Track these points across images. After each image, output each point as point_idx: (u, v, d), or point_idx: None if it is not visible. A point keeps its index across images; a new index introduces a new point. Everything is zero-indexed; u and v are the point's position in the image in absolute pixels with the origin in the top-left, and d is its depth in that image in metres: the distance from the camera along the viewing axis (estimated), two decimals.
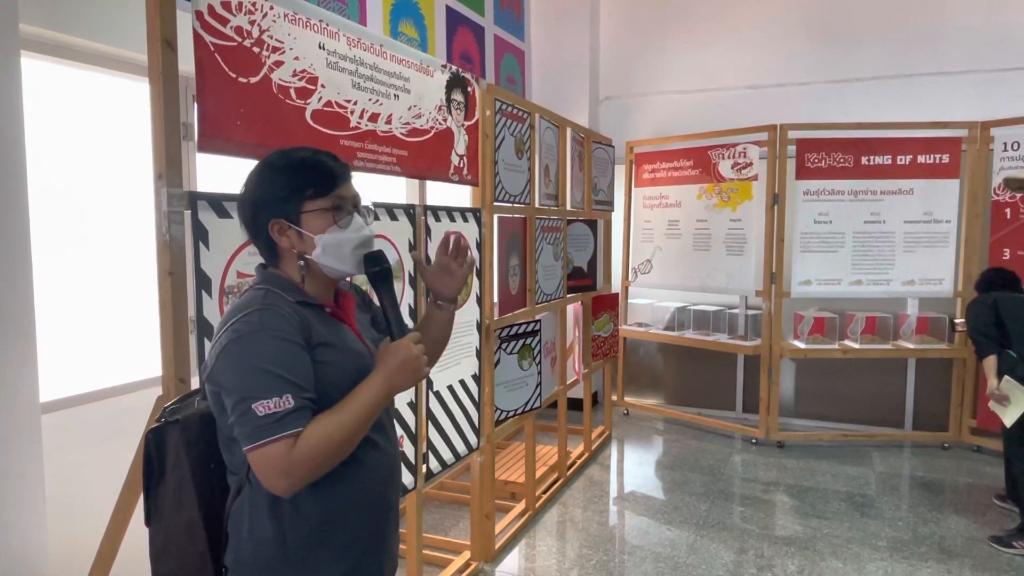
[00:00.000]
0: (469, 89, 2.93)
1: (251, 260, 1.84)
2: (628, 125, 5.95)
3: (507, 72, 5.47)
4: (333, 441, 1.20)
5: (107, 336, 2.58)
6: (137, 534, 1.61)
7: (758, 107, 5.40)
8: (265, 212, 1.31)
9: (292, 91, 2.00)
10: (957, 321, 4.19)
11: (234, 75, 1.82)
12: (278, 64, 1.95)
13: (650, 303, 5.88)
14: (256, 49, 1.88)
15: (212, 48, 1.75)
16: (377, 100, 2.35)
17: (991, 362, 3.42)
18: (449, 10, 4.59)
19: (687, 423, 5.52)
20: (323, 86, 2.10)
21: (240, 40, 1.83)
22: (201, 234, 1.72)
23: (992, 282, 3.69)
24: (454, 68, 2.83)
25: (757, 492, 4.17)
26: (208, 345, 1.72)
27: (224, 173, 2.32)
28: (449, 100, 2.77)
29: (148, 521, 1.35)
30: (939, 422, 4.98)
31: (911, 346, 4.83)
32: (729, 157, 5.03)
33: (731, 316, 5.48)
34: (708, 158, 5.16)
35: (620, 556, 3.38)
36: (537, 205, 3.74)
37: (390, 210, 2.44)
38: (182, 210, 1.69)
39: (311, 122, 2.07)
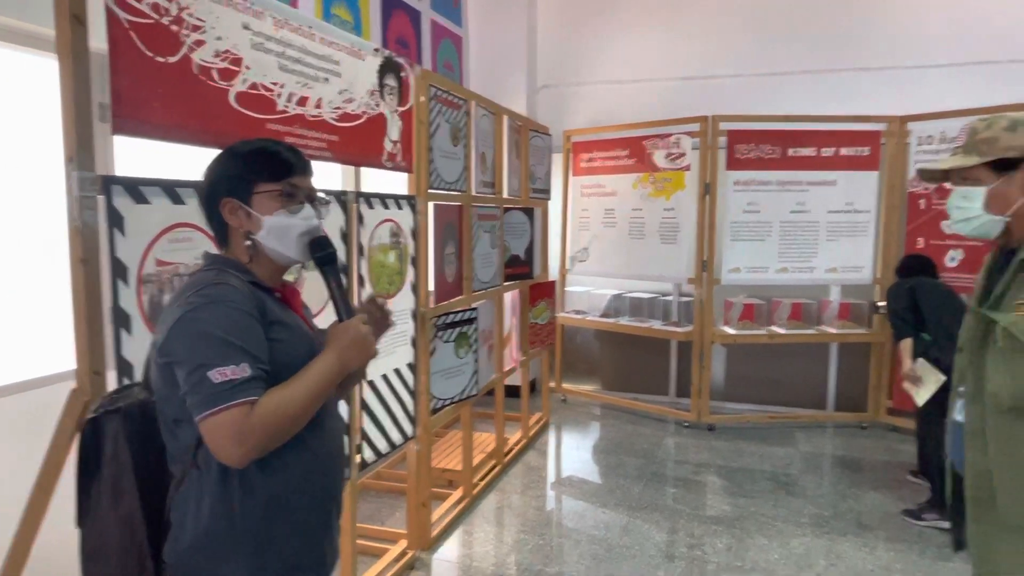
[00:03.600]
0: (403, 74, 2.89)
1: (171, 248, 1.78)
2: (566, 114, 5.98)
3: (444, 58, 5.42)
4: (287, 413, 1.21)
5: (17, 328, 2.44)
6: (57, 537, 1.55)
7: (691, 98, 5.51)
8: (218, 192, 1.34)
9: (214, 72, 1.93)
10: (880, 304, 4.40)
11: (151, 54, 1.74)
12: (199, 44, 1.87)
13: (587, 291, 5.95)
14: (175, 28, 1.80)
15: (127, 25, 1.67)
16: (306, 84, 2.29)
17: (907, 344, 3.59)
18: None
19: (623, 408, 5.63)
20: (248, 68, 2.03)
21: (157, 18, 1.75)
22: (116, 220, 1.65)
23: (911, 268, 3.88)
24: (387, 52, 2.78)
25: (688, 474, 4.29)
26: (128, 336, 1.66)
27: (156, 158, 2.23)
28: (382, 85, 2.73)
29: (81, 521, 1.30)
30: (858, 403, 5.23)
31: (833, 331, 5.05)
32: (663, 147, 5.13)
33: (665, 303, 5.60)
34: (643, 148, 5.24)
35: (556, 539, 3.43)
36: (474, 193, 3.73)
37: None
38: (95, 195, 1.61)
39: (235, 104, 2.00)
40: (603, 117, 5.81)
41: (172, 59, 1.80)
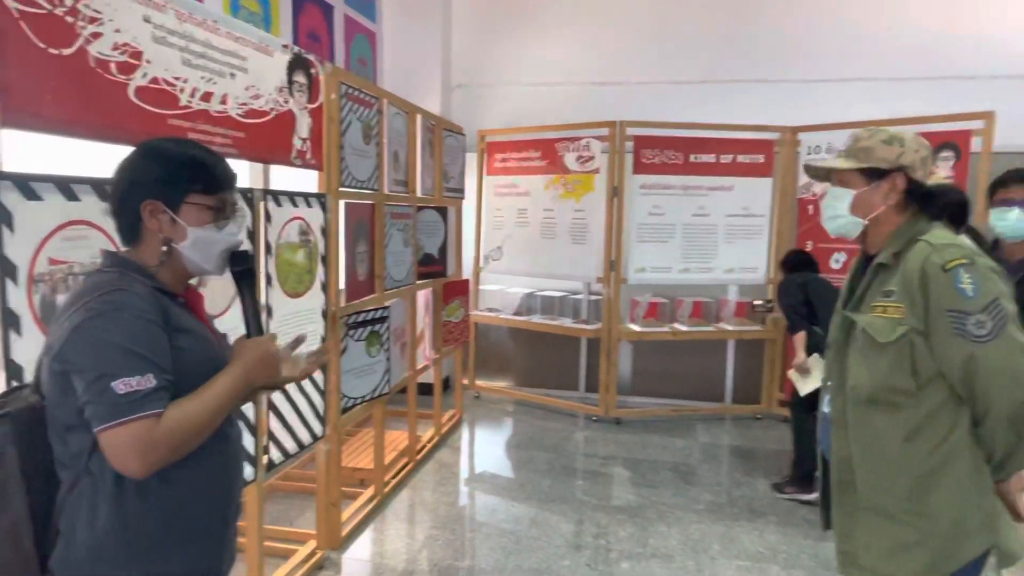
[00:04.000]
0: (312, 71, 2.87)
1: (65, 246, 1.72)
2: (480, 114, 6.04)
3: (358, 54, 5.37)
4: (193, 425, 1.20)
5: None
6: None
7: (602, 103, 5.68)
8: (142, 191, 1.29)
9: (112, 66, 1.87)
10: (756, 303, 4.70)
11: (43, 45, 1.67)
12: (96, 36, 1.81)
13: (501, 289, 6.05)
14: (70, 19, 1.74)
15: (16, 15, 1.61)
16: (211, 79, 2.25)
17: (801, 337, 3.81)
18: None
19: (535, 404, 5.76)
20: (148, 62, 1.98)
21: (51, 8, 1.69)
22: (4, 217, 1.58)
23: (798, 263, 4.16)
24: (296, 49, 2.76)
25: (596, 466, 4.45)
26: (17, 337, 1.60)
27: (51, 153, 2.13)
28: (291, 82, 2.70)
29: None
30: (753, 396, 5.56)
31: (730, 328, 5.35)
32: (574, 150, 5.28)
33: (575, 301, 5.77)
34: (555, 150, 5.38)
35: (467, 534, 3.50)
36: (386, 192, 3.73)
37: None
38: None
39: (135, 99, 1.95)
40: (517, 118, 5.91)
41: (67, 51, 1.74)
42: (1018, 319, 1.48)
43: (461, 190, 5.16)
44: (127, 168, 1.31)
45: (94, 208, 1.79)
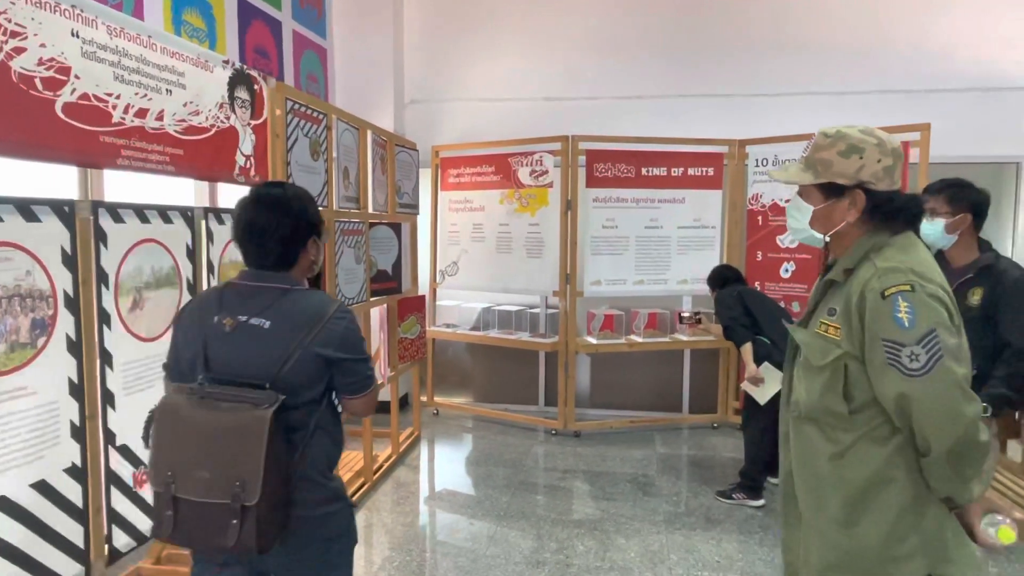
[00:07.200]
0: (256, 87, 2.82)
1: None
2: (434, 129, 6.03)
3: (308, 70, 5.32)
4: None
5: None
6: None
7: (554, 118, 5.72)
8: (311, 229, 1.73)
9: (38, 81, 1.81)
10: (684, 314, 4.77)
11: None
12: (18, 51, 1.75)
13: (458, 304, 6.01)
14: None
15: None
16: (146, 95, 2.19)
17: (748, 349, 3.88)
18: (241, 1, 4.37)
19: (494, 419, 5.72)
20: (77, 77, 1.92)
21: None
22: None
23: (728, 277, 4.24)
24: (238, 64, 2.71)
25: (555, 480, 4.43)
26: None
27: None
28: (233, 98, 2.65)
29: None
30: (710, 405, 5.62)
31: (685, 338, 5.40)
32: (527, 164, 5.30)
33: (532, 315, 5.76)
34: (508, 165, 5.39)
35: (425, 555, 3.44)
36: (336, 208, 3.68)
37: (163, 212, 2.28)
38: None
39: (63, 116, 1.89)
40: (471, 133, 5.91)
41: None
42: (960, 348, 1.40)
43: (415, 206, 5.13)
44: (303, 210, 1.71)
45: (17, 229, 1.72)
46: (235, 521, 1.47)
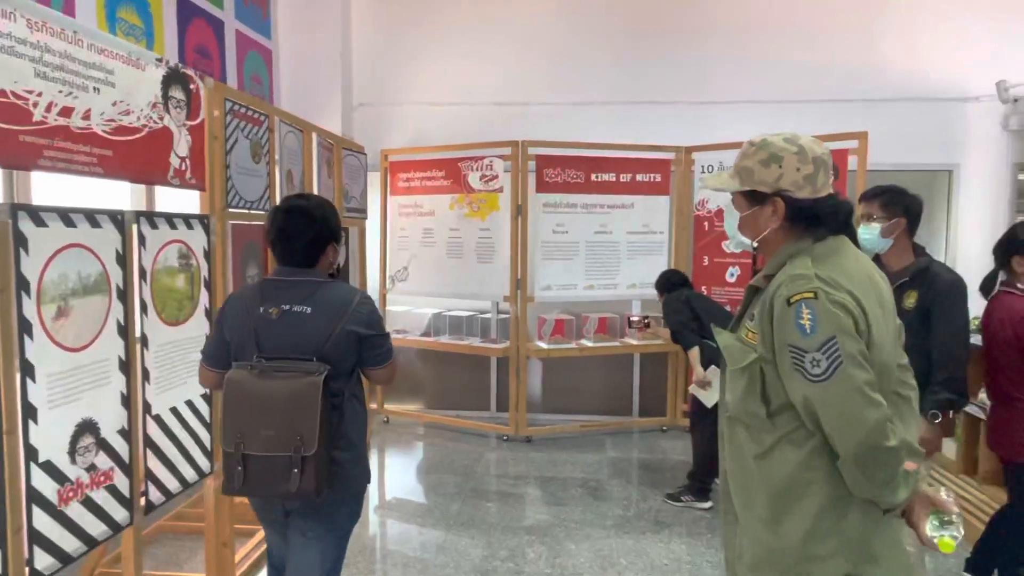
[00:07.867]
0: (192, 86, 2.73)
1: None
2: (383, 133, 5.96)
3: (252, 71, 5.19)
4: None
5: None
6: None
7: (504, 123, 5.71)
8: (331, 236, 2.10)
9: None
10: (633, 318, 4.81)
11: None
12: None
13: (408, 310, 5.94)
14: None
15: None
16: (70, 93, 2.09)
17: (696, 352, 3.92)
18: None
19: (445, 426, 5.66)
20: None
21: None
22: None
23: (676, 282, 4.28)
24: (172, 63, 2.61)
25: (506, 487, 4.41)
26: None
27: None
28: (167, 97, 2.55)
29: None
30: (659, 408, 5.67)
31: (635, 342, 5.44)
32: (477, 169, 5.27)
33: (483, 321, 5.73)
34: (458, 169, 5.36)
35: (372, 565, 3.37)
36: None
37: (90, 216, 2.18)
38: None
39: None
40: (420, 137, 5.86)
41: None
42: (862, 357, 1.42)
43: (364, 210, 5.05)
44: (325, 219, 2.09)
45: None
46: (296, 470, 1.86)
